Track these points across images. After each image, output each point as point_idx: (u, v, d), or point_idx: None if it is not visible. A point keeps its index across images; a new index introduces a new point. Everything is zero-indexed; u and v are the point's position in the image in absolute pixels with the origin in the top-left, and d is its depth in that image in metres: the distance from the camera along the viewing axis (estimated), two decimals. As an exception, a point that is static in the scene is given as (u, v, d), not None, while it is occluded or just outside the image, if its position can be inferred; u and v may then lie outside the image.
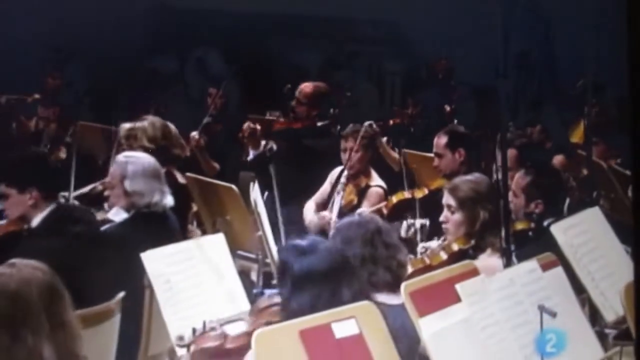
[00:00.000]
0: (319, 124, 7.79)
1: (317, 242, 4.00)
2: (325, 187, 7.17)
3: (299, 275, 3.88)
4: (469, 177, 5.40)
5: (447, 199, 5.27)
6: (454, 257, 5.12)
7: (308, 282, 3.88)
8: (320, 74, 10.50)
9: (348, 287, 3.91)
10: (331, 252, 4.01)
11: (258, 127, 7.23)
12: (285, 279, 3.94)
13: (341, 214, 6.72)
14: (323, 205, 7.05)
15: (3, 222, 5.24)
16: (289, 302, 3.91)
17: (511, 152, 6.99)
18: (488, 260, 4.97)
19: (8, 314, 3.30)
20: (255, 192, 5.69)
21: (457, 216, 5.21)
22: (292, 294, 3.89)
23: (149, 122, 6.83)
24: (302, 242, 3.98)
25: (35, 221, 5.03)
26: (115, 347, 4.47)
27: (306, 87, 7.93)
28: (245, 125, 7.23)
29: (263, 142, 7.05)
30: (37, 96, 9.07)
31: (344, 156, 7.09)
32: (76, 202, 6.53)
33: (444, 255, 5.26)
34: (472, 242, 5.17)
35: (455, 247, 5.24)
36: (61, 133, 8.30)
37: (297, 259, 3.91)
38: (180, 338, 4.21)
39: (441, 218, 5.34)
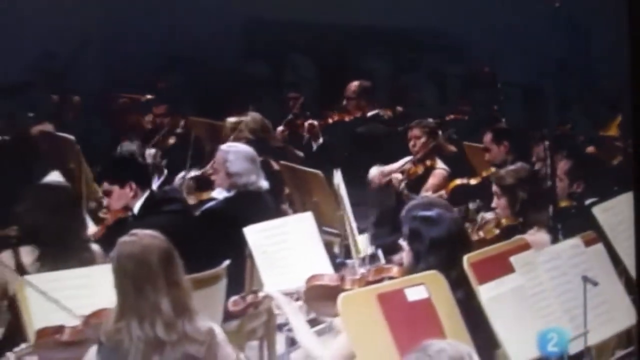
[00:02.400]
0: (369, 114, 7.86)
1: (443, 213, 4.02)
2: (395, 165, 7.20)
3: (430, 242, 3.94)
4: (511, 167, 5.47)
5: (494, 187, 5.34)
6: (505, 232, 5.18)
7: (436, 247, 3.93)
8: (389, 77, 10.47)
9: (462, 251, 3.94)
10: (454, 222, 4.05)
11: (315, 123, 7.33)
12: (414, 243, 3.98)
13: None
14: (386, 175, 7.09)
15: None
16: (417, 261, 3.96)
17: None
18: (536, 235, 4.96)
19: (134, 274, 3.37)
20: (338, 177, 5.71)
21: (503, 200, 5.24)
22: (422, 255, 3.94)
23: (250, 117, 6.90)
24: (430, 213, 4.00)
25: (136, 208, 5.09)
26: (223, 306, 4.52)
27: (352, 85, 8.02)
28: (306, 123, 7.30)
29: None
30: (149, 96, 9.16)
31: (411, 144, 7.13)
32: (191, 182, 6.60)
33: (496, 231, 5.32)
34: (520, 219, 5.17)
35: (505, 223, 5.27)
36: (174, 126, 8.39)
37: (428, 228, 3.96)
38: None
39: (493, 204, 5.39)
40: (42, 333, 3.62)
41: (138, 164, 5.31)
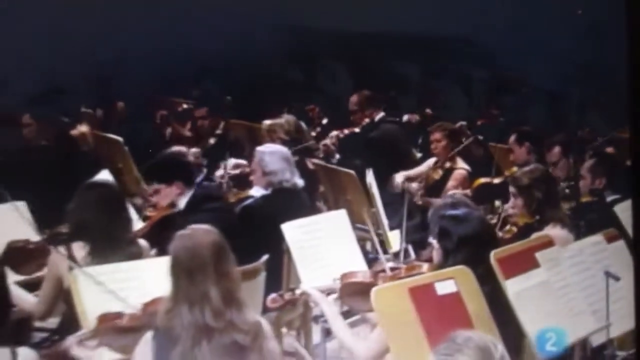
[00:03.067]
0: (377, 118, 7.87)
1: (470, 212, 4.04)
2: (420, 168, 7.19)
3: (458, 240, 3.96)
4: (526, 168, 5.43)
5: (511, 188, 5.29)
6: (522, 231, 5.14)
7: (464, 245, 3.95)
8: (419, 82, 10.47)
9: (488, 248, 3.95)
10: (480, 220, 4.07)
11: (329, 142, 7.44)
12: (442, 240, 4.01)
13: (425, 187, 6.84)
14: (412, 179, 7.10)
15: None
16: (446, 257, 3.98)
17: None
18: (552, 231, 4.94)
19: (187, 264, 3.43)
20: (370, 176, 5.73)
21: (519, 200, 5.19)
22: (450, 251, 3.97)
23: (284, 119, 6.94)
24: (458, 212, 4.02)
25: (182, 204, 5.12)
26: (262, 298, 4.55)
27: (352, 98, 8.05)
28: (321, 144, 7.48)
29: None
30: (185, 106, 9.15)
31: (432, 146, 7.13)
32: (222, 181, 6.63)
33: (514, 229, 5.28)
34: (537, 217, 5.14)
35: (521, 222, 5.23)
36: (214, 126, 8.43)
37: (455, 227, 3.98)
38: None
39: (509, 204, 5.34)
40: (104, 318, 3.68)
41: (184, 164, 5.33)
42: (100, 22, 9.55)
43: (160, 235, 4.92)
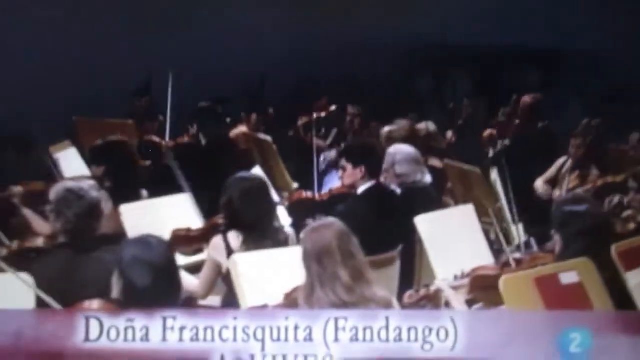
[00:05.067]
0: (540, 125, 7.55)
1: (590, 208, 4.01)
2: (552, 170, 6.87)
3: (577, 233, 3.91)
4: None
5: (631, 183, 5.09)
6: None
7: (582, 238, 3.89)
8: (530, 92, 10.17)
9: (606, 241, 3.87)
10: (599, 215, 4.04)
11: (494, 132, 7.22)
12: (564, 233, 3.97)
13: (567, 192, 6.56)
14: (550, 182, 6.80)
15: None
16: (566, 249, 3.93)
17: None
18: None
19: (315, 251, 3.46)
20: (494, 174, 5.60)
21: (639, 196, 4.97)
22: (571, 244, 3.91)
23: (399, 126, 6.82)
24: (579, 208, 3.99)
25: (360, 190, 5.10)
26: (398, 285, 4.50)
27: (526, 99, 7.74)
28: (486, 132, 7.28)
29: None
30: (314, 116, 8.94)
31: (571, 150, 6.79)
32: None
33: (632, 225, 5.04)
34: None
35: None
36: (361, 128, 8.34)
37: (575, 221, 3.94)
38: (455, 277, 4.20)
39: (629, 199, 5.17)
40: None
41: (375, 155, 5.29)
42: (251, 38, 9.77)
43: (331, 207, 5.10)
